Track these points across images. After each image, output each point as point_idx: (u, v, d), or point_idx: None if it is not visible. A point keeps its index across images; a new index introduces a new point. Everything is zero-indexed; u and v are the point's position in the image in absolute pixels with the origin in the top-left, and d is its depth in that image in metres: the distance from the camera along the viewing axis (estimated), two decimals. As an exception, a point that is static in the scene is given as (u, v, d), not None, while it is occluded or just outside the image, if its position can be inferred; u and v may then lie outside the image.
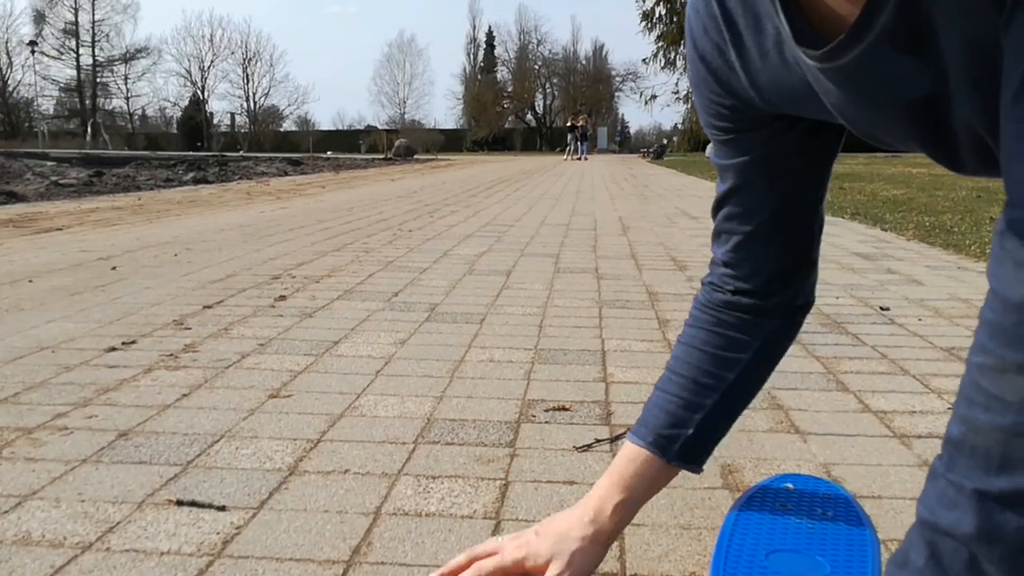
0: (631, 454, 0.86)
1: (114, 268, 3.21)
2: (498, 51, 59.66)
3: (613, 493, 0.84)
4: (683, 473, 1.23)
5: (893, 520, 1.06)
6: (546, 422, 1.46)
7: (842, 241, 4.29)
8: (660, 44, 44.86)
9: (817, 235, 0.84)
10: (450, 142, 52.14)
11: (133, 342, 2.01)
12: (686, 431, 0.83)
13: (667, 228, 5.04)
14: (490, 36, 60.19)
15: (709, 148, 26.26)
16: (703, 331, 0.86)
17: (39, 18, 50.93)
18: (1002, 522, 0.45)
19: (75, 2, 50.98)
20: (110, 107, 55.13)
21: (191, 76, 55.85)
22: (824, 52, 0.57)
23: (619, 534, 0.86)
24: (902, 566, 0.51)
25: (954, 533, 0.47)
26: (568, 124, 29.55)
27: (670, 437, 0.84)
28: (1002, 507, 0.45)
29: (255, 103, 57.18)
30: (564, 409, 1.53)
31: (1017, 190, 0.47)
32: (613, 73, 56.62)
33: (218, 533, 1.03)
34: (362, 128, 57.13)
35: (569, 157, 26.66)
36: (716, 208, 0.84)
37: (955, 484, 0.48)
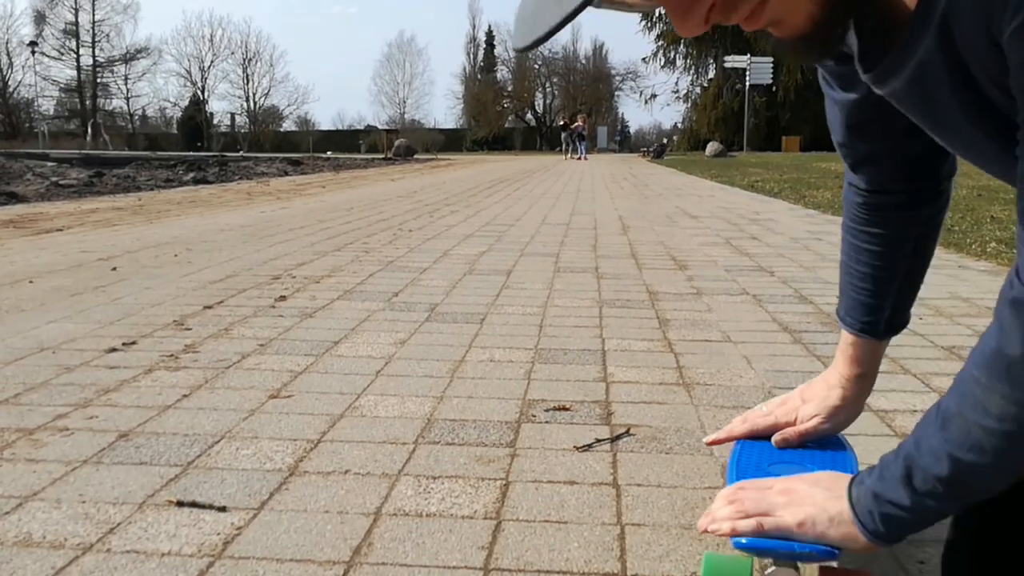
0: (849, 339, 0.97)
1: (114, 269, 3.21)
2: (498, 50, 59.63)
3: (851, 368, 0.97)
4: (684, 472, 1.24)
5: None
6: (546, 422, 1.46)
7: (842, 240, 4.28)
8: (660, 43, 44.90)
9: (946, 154, 0.87)
10: (450, 142, 52.12)
11: (133, 343, 2.01)
12: (884, 313, 0.94)
13: (667, 227, 5.04)
14: (490, 35, 60.17)
15: (709, 148, 26.22)
16: (863, 233, 0.93)
17: (39, 19, 50.95)
18: (967, 483, 0.63)
19: (75, 2, 50.99)
20: (110, 107, 55.15)
21: (191, 76, 55.88)
22: (872, 75, 0.65)
23: (867, 396, 0.99)
24: (887, 468, 0.70)
25: (928, 471, 0.65)
26: (561, 124, 29.51)
27: (873, 322, 0.94)
28: (970, 473, 0.61)
29: (255, 103, 57.19)
30: (564, 409, 1.52)
31: None
32: (613, 72, 56.61)
33: (219, 534, 1.03)
34: (362, 128, 57.11)
35: (568, 156, 26.62)
36: (842, 150, 0.91)
37: (941, 441, 0.64)
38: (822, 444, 0.97)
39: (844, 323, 0.98)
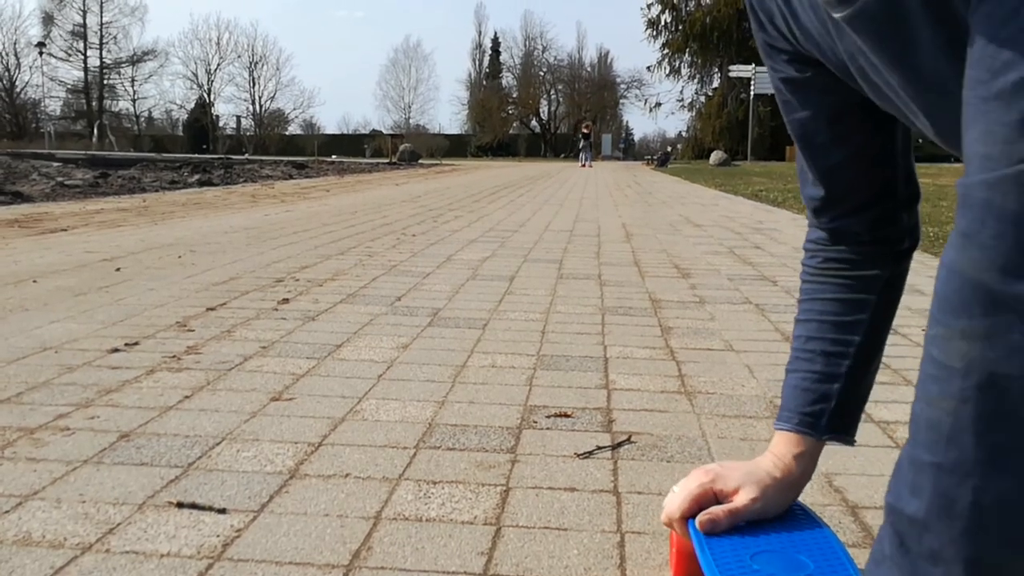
0: (785, 439, 0.85)
1: (118, 269, 3.22)
2: (503, 57, 59.83)
3: (786, 451, 0.84)
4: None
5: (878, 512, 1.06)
6: (547, 428, 1.45)
7: (846, 250, 4.28)
8: (665, 52, 45.02)
9: (901, 177, 0.82)
10: (454, 147, 52.20)
11: (136, 343, 2.02)
12: (829, 404, 0.82)
13: (671, 236, 5.04)
14: (496, 42, 60.36)
15: (713, 156, 26.24)
16: (819, 302, 0.85)
17: (47, 20, 51.19)
18: (956, 497, 0.47)
19: (83, 4, 51.24)
20: (116, 109, 55.33)
21: (197, 79, 56.06)
22: None
23: (808, 478, 0.85)
24: (879, 563, 0.53)
25: (916, 519, 0.49)
26: (584, 132, 29.41)
27: (815, 414, 0.83)
28: (958, 480, 0.47)
29: (261, 106, 57.35)
30: (566, 415, 1.52)
31: (969, 157, 0.48)
32: (618, 80, 56.70)
33: (218, 536, 1.02)
34: (367, 132, 57.23)
35: (583, 164, 26.54)
36: (798, 164, 0.86)
37: (915, 461, 0.50)
38: (787, 521, 0.83)
39: (779, 421, 0.86)
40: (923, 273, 3.49)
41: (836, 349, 0.83)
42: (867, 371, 0.85)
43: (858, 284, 0.84)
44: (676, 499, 0.84)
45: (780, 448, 0.85)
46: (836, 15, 0.60)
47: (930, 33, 0.54)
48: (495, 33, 62.71)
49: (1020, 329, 0.44)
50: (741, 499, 0.80)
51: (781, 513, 0.83)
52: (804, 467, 0.84)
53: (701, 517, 0.80)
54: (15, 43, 51.07)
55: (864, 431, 1.45)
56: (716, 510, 0.80)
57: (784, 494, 0.83)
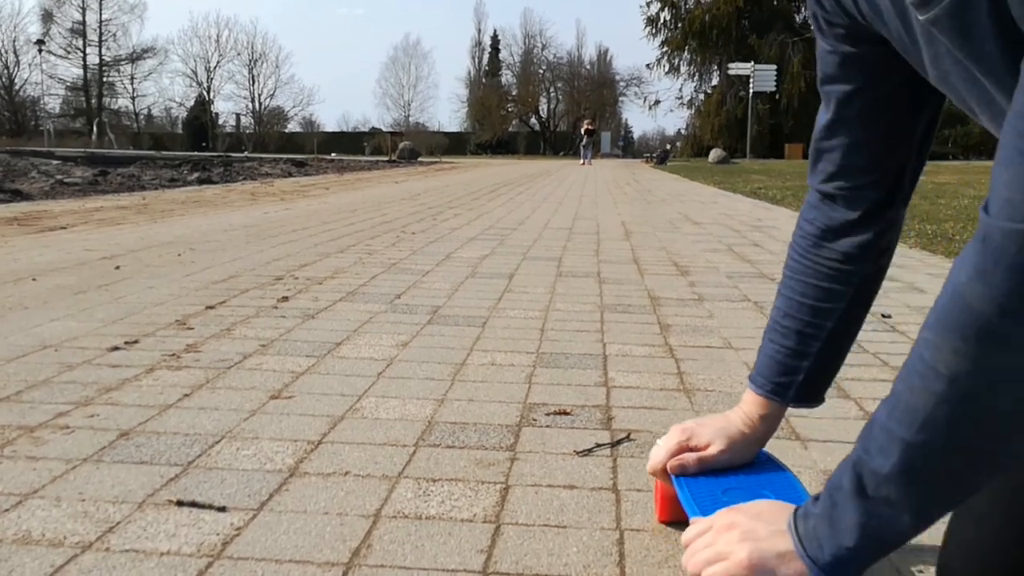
0: (754, 400, 0.95)
1: (118, 267, 3.22)
2: (503, 55, 59.76)
3: (755, 411, 0.95)
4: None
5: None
6: (547, 426, 1.46)
7: (845, 248, 4.28)
8: (664, 49, 44.94)
9: (910, 171, 0.86)
10: (454, 145, 52.17)
11: (136, 341, 2.02)
12: (797, 377, 0.92)
13: (670, 233, 5.04)
14: (495, 40, 60.28)
15: (712, 154, 26.23)
16: (800, 283, 0.92)
17: (47, 17, 51.11)
18: (918, 468, 0.57)
19: (83, 1, 51.15)
20: (116, 106, 55.24)
21: (197, 76, 55.98)
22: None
23: (771, 434, 0.98)
24: (837, 489, 0.65)
25: (879, 473, 0.59)
26: (585, 129, 29.27)
27: (784, 384, 0.92)
28: (922, 456, 0.57)
29: (260, 104, 57.28)
30: (565, 413, 1.52)
31: (996, 187, 0.52)
32: (617, 78, 56.63)
33: (218, 534, 1.03)
34: (366, 130, 57.18)
35: (584, 162, 26.48)
36: (818, 132, 0.88)
37: (888, 430, 0.59)
38: (755, 466, 0.96)
39: (752, 382, 0.96)
40: (921, 271, 3.49)
41: (809, 331, 0.90)
42: (836, 354, 0.93)
43: (839, 276, 0.89)
44: (660, 452, 0.98)
45: (749, 407, 0.96)
46: (920, 17, 0.61)
47: (995, 47, 0.56)
48: (495, 31, 62.66)
49: (1005, 364, 0.51)
50: (711, 451, 0.94)
51: (750, 461, 0.97)
52: (769, 426, 0.96)
53: (672, 461, 0.95)
54: (14, 40, 51.04)
55: (858, 426, 1.46)
56: (686, 456, 0.95)
57: (750, 447, 0.96)
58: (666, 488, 1.01)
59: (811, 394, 0.94)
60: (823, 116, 0.86)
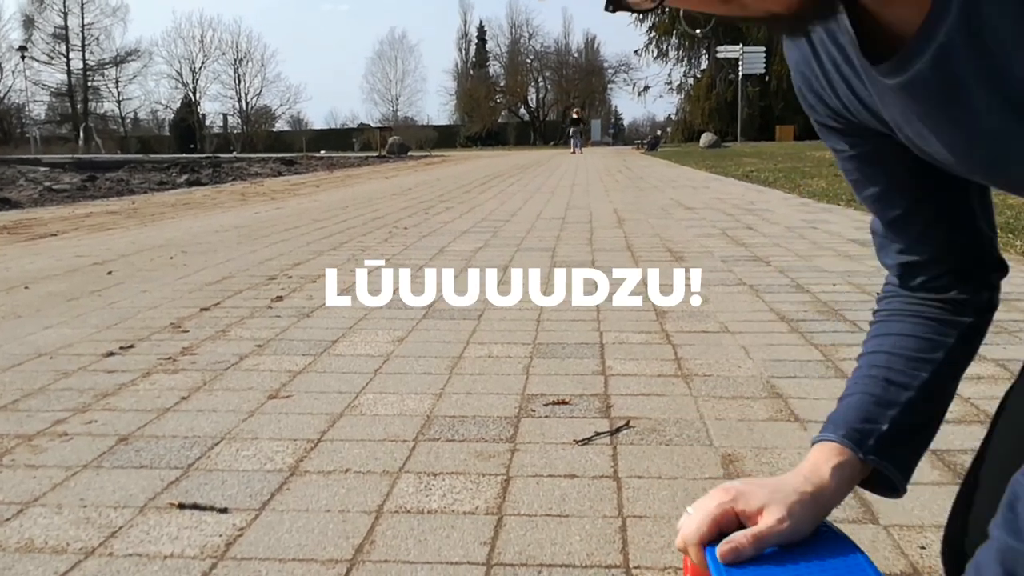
0: (822, 449, 0.76)
1: (110, 272, 3.20)
2: (490, 46, 59.55)
3: (823, 462, 0.74)
4: (684, 463, 1.24)
5: (894, 506, 1.06)
6: (546, 416, 1.46)
7: (838, 228, 4.29)
8: (652, 35, 44.85)
9: (985, 234, 0.77)
10: (443, 138, 52.02)
11: (131, 346, 2.01)
12: (880, 426, 0.74)
13: (662, 219, 5.04)
14: (481, 31, 60.06)
15: (703, 139, 26.21)
16: (890, 337, 0.79)
17: (28, 23, 50.72)
18: None
19: (64, 6, 50.76)
20: (102, 111, 54.93)
21: (182, 78, 55.68)
22: (889, 64, 0.56)
23: (841, 498, 0.74)
24: None
25: None
26: (573, 117, 29.25)
27: (864, 432, 0.74)
28: None
29: (247, 103, 57.02)
30: (563, 403, 1.53)
31: None
32: (605, 65, 56.52)
33: (221, 535, 1.03)
34: (355, 126, 56.98)
35: (573, 151, 26.45)
36: (877, 240, 0.80)
37: None
38: (816, 545, 0.72)
39: (820, 435, 0.77)
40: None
41: (900, 380, 0.76)
42: (928, 413, 0.77)
43: (938, 326, 0.77)
44: (693, 521, 0.72)
45: (816, 458, 0.75)
46: (890, 82, 0.58)
47: (985, 95, 0.53)
48: (480, 22, 62.49)
49: None
50: (767, 521, 0.70)
51: (809, 536, 0.73)
52: (839, 482, 0.73)
53: (722, 547, 0.69)
54: (-4, 47, 50.62)
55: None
56: (738, 536, 0.69)
57: (814, 512, 0.72)
58: (697, 572, 0.73)
59: (896, 454, 0.75)
60: (879, 218, 0.79)
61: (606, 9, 0.50)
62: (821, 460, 0.75)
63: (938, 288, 0.78)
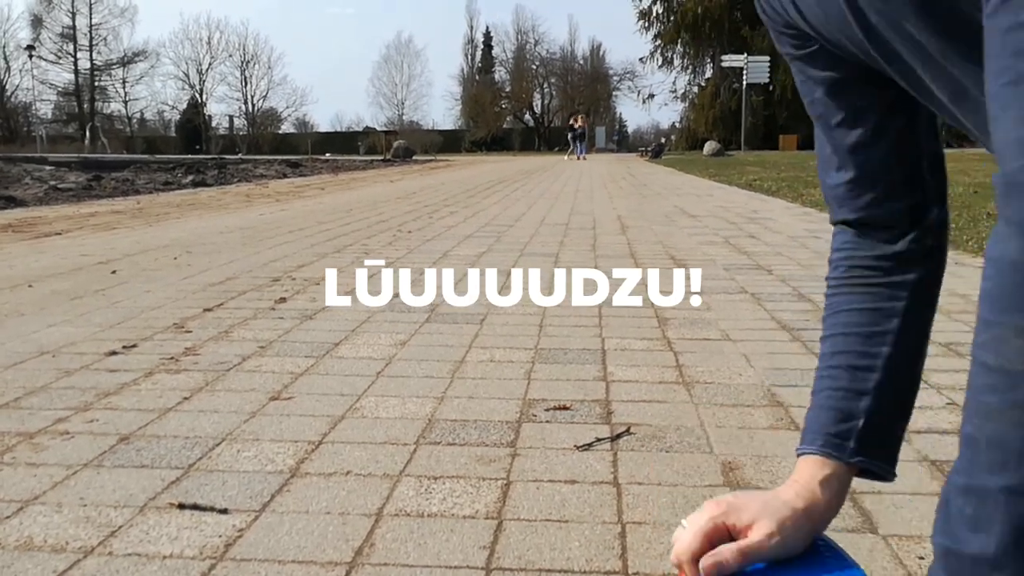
0: (806, 464, 0.74)
1: (114, 272, 3.21)
2: (496, 51, 59.67)
3: (810, 477, 0.73)
4: (684, 470, 1.24)
5: (893, 515, 1.06)
6: (547, 421, 1.46)
7: (841, 238, 4.29)
8: (657, 43, 44.92)
9: (927, 159, 0.77)
10: (448, 143, 52.11)
11: (134, 346, 2.01)
12: (856, 422, 0.73)
13: (666, 227, 5.04)
14: (487, 37, 60.20)
15: (707, 147, 26.23)
16: (842, 314, 0.77)
17: (36, 22, 50.94)
18: None
19: (72, 6, 50.99)
20: (108, 111, 55.11)
21: (189, 79, 55.85)
22: None
23: (836, 509, 0.73)
24: None
25: (984, 557, 0.43)
26: (572, 124, 29.43)
27: (841, 433, 0.73)
28: None
29: (253, 105, 57.17)
30: (565, 408, 1.53)
31: (1005, 146, 0.45)
32: (611, 72, 56.61)
33: (220, 536, 1.03)
34: (360, 130, 57.08)
35: (569, 156, 26.60)
36: (820, 159, 0.80)
37: (975, 490, 0.44)
38: (811, 560, 0.71)
39: (802, 447, 0.76)
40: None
41: (863, 362, 0.74)
42: (899, 388, 0.76)
43: (886, 291, 0.76)
44: (685, 536, 0.71)
45: (803, 474, 0.74)
46: None
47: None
48: (487, 27, 62.52)
49: None
50: (756, 535, 0.69)
51: (804, 551, 0.72)
52: (831, 496, 0.72)
53: (705, 560, 0.68)
54: (4, 46, 50.87)
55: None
56: (724, 550, 0.69)
57: (807, 528, 0.71)
58: None
59: (876, 446, 0.74)
60: (819, 127, 0.79)
61: None
62: (808, 475, 0.74)
63: (888, 238, 0.77)
